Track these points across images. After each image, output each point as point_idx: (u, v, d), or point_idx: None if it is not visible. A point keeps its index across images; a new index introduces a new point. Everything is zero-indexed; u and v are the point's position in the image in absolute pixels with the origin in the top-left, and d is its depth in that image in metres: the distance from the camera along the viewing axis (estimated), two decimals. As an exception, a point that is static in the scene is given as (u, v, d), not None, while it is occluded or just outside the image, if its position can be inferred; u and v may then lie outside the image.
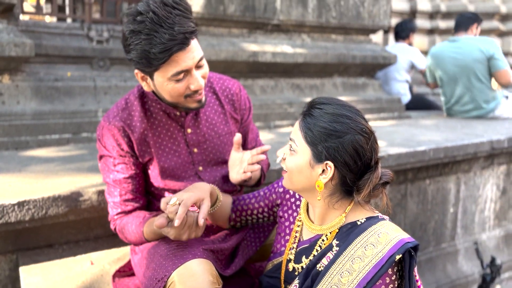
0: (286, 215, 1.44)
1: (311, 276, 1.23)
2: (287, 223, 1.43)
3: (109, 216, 1.55)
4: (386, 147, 2.58)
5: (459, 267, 3.10)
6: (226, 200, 1.54)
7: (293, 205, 1.44)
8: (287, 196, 1.47)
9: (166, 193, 1.57)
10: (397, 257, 1.11)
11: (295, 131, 1.23)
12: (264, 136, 2.87)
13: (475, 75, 3.92)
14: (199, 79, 1.42)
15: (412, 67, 4.86)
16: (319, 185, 1.20)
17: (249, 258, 1.60)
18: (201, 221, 1.25)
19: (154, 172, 1.54)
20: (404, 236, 1.16)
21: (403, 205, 2.81)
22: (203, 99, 1.50)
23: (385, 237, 1.15)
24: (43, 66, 2.66)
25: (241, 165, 1.52)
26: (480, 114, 4.01)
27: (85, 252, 1.76)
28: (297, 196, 1.45)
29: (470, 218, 3.17)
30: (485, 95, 3.95)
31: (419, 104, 4.85)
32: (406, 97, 4.79)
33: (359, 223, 1.22)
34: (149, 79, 1.44)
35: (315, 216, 1.28)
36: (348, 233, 1.21)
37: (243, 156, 1.53)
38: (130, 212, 1.52)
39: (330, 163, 1.17)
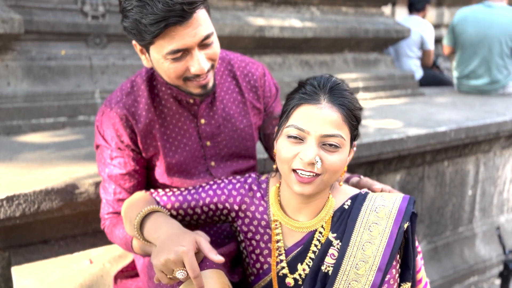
0: (252, 228, 1.23)
1: (319, 279, 1.10)
2: (258, 236, 1.22)
3: (100, 213, 1.39)
4: (403, 128, 2.41)
5: (477, 252, 2.97)
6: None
7: (256, 213, 1.22)
8: (244, 206, 1.23)
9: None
10: (406, 225, 1.09)
11: (335, 124, 1.04)
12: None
13: (498, 48, 3.70)
14: (201, 61, 1.19)
15: (422, 44, 4.63)
16: (345, 170, 1.13)
17: None
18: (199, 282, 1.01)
19: (160, 169, 1.37)
20: (399, 200, 1.13)
21: (420, 189, 2.65)
22: (210, 84, 1.28)
23: (383, 210, 1.11)
24: (34, 44, 2.47)
25: None
26: (492, 89, 3.81)
27: (83, 249, 1.61)
28: (257, 202, 1.23)
29: (489, 200, 3.03)
30: (501, 70, 3.75)
31: (431, 80, 4.65)
32: (418, 74, 4.59)
33: (346, 207, 1.15)
34: (147, 54, 1.24)
35: (308, 211, 1.15)
36: (342, 221, 1.12)
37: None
38: None
39: (355, 142, 1.13)
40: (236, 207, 1.24)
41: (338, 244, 1.11)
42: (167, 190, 1.31)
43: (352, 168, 2.21)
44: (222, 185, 1.25)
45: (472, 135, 2.58)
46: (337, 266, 1.07)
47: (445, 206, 2.80)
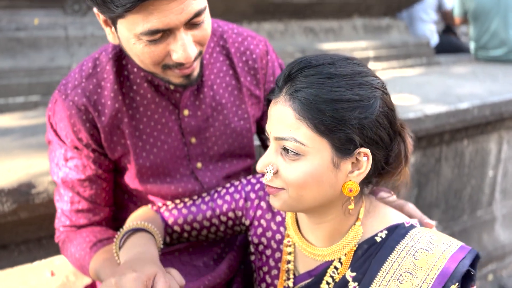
0: (264, 240, 1.01)
1: None
2: (268, 252, 1.00)
3: (55, 223, 1.14)
4: (420, 105, 2.13)
5: (496, 237, 2.74)
6: (158, 227, 1.04)
7: (271, 223, 1.00)
8: (259, 212, 1.01)
9: (150, 198, 1.13)
10: (452, 287, 0.78)
11: (286, 124, 0.79)
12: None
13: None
14: (187, 46, 0.90)
15: (440, 5, 4.26)
16: (351, 188, 0.81)
17: None
18: None
19: (130, 173, 1.09)
20: (453, 248, 0.82)
21: (436, 171, 2.39)
22: (195, 73, 0.99)
23: (426, 257, 0.81)
24: (5, 12, 2.20)
25: None
26: (504, 56, 3.51)
27: (47, 255, 1.39)
28: (275, 210, 1.00)
29: (511, 181, 2.77)
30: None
31: (447, 47, 4.32)
32: (433, 40, 4.25)
33: (378, 239, 0.87)
34: (113, 28, 0.93)
35: (322, 234, 0.89)
36: (366, 259, 0.86)
37: None
38: (84, 226, 1.10)
39: (364, 149, 0.79)
40: (251, 213, 1.02)
41: (354, 287, 0.86)
42: (178, 201, 1.09)
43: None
44: (239, 187, 1.05)
45: (498, 112, 2.29)
46: None
47: (463, 189, 2.55)
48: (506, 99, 2.31)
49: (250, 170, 1.25)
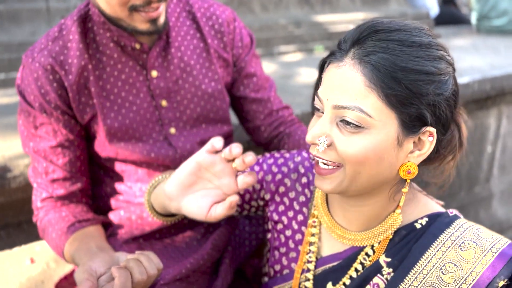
0: (285, 219, 0.95)
1: None
2: (288, 232, 0.94)
3: (32, 204, 1.09)
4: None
5: (493, 213, 2.71)
6: None
7: (294, 202, 0.94)
8: (282, 189, 0.95)
9: (124, 167, 1.09)
10: (500, 283, 0.73)
11: (353, 91, 0.71)
12: (266, 66, 2.33)
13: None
14: None
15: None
16: (410, 169, 0.75)
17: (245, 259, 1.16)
18: None
19: (100, 137, 1.06)
20: (503, 243, 0.76)
21: (434, 148, 2.33)
22: (162, 19, 1.00)
23: (473, 249, 0.76)
24: (-18, -16, 2.08)
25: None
26: (507, 25, 3.41)
27: (28, 240, 1.33)
28: (299, 189, 0.94)
29: (509, 156, 2.72)
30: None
31: (448, 18, 4.20)
32: (433, 11, 4.12)
33: (418, 226, 0.81)
34: None
35: (359, 218, 0.83)
36: (405, 244, 0.80)
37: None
38: (62, 198, 1.06)
39: (431, 129, 0.73)
40: (272, 187, 0.96)
41: (388, 274, 0.79)
42: None
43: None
44: (261, 160, 1.00)
45: (499, 86, 2.22)
46: None
47: (461, 166, 2.50)
48: (507, 73, 2.23)
49: (230, 139, 1.21)
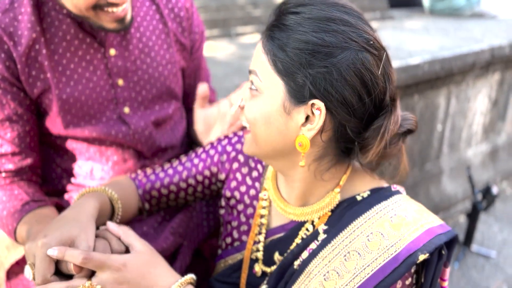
0: (237, 194, 0.97)
1: (285, 278, 0.83)
2: (240, 206, 0.97)
3: None
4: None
5: (443, 189, 2.84)
6: (127, 193, 0.99)
7: (247, 177, 0.97)
8: (235, 165, 0.98)
9: (75, 144, 1.08)
10: (421, 257, 0.73)
11: (257, 58, 0.78)
12: (223, 47, 2.32)
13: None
14: None
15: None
16: (301, 142, 0.75)
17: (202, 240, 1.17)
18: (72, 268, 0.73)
19: (52, 113, 1.03)
20: (433, 223, 0.78)
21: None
22: (128, 16, 1.00)
23: (402, 222, 0.76)
24: None
25: (222, 121, 1.09)
26: (467, 6, 3.52)
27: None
28: (253, 165, 0.97)
29: (458, 134, 2.85)
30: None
31: (402, 0, 4.28)
32: (387, -8, 4.19)
33: (359, 198, 0.82)
34: None
35: (293, 194, 0.85)
36: (343, 214, 0.81)
37: (220, 107, 1.09)
38: (12, 174, 1.03)
39: (318, 102, 0.72)
40: (227, 166, 0.99)
41: (323, 238, 0.81)
42: (156, 166, 1.07)
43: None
44: (216, 142, 1.02)
45: (448, 67, 2.31)
46: (305, 264, 0.80)
47: (413, 145, 2.60)
48: (455, 55, 2.32)
49: (181, 113, 1.24)
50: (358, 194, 0.82)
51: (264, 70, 0.75)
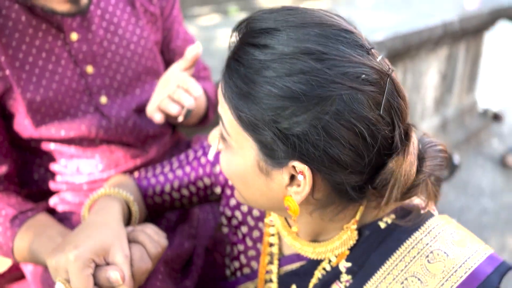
0: (239, 215, 0.85)
1: None
2: (245, 229, 0.85)
3: None
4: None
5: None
6: (136, 196, 0.89)
7: None
8: None
9: (53, 146, 0.96)
10: None
11: (220, 102, 0.62)
12: (182, 29, 2.20)
13: None
14: None
15: None
16: (289, 205, 0.60)
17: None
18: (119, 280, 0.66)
19: (20, 115, 0.90)
20: (481, 257, 0.62)
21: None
22: None
23: (442, 262, 0.61)
24: None
25: (166, 88, 0.91)
26: None
27: None
28: None
29: (413, 108, 2.93)
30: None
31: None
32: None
33: (383, 225, 0.67)
34: None
35: (302, 229, 0.71)
36: (366, 249, 0.67)
37: (171, 75, 0.91)
38: None
39: (299, 165, 0.56)
40: (221, 179, 0.87)
41: (347, 281, 0.68)
42: (149, 168, 0.96)
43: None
44: (207, 148, 0.91)
45: (407, 43, 2.34)
46: None
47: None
48: (414, 30, 2.35)
49: None
50: (381, 219, 0.67)
51: (229, 121, 0.60)
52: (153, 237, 0.74)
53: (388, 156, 0.58)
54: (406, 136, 0.59)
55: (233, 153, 0.62)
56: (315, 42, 0.54)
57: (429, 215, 0.67)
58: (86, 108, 0.95)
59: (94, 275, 0.65)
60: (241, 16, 2.73)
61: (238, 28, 0.60)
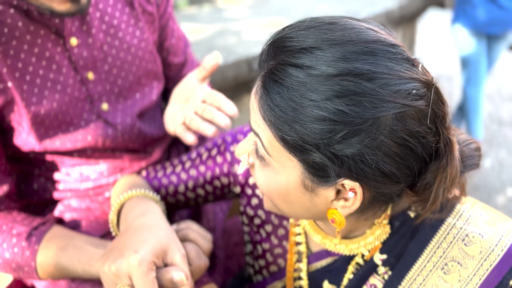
0: (262, 214, 0.84)
1: None
2: (269, 227, 0.84)
3: None
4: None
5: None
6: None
7: None
8: (252, 180, 0.84)
9: (55, 157, 0.92)
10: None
11: (256, 121, 0.59)
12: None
13: None
14: None
15: None
16: (334, 219, 0.61)
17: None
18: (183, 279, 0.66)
19: (22, 128, 0.85)
20: (511, 231, 0.65)
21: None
22: None
23: (480, 244, 0.64)
24: None
25: (189, 104, 0.87)
26: None
27: None
28: None
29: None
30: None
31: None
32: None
33: (412, 214, 0.68)
34: None
35: (330, 229, 0.73)
36: (399, 239, 0.68)
37: (188, 87, 0.86)
38: None
39: (351, 183, 0.56)
40: (241, 179, 0.84)
41: (385, 273, 0.69)
42: (158, 168, 0.93)
43: (245, 82, 1.87)
44: (223, 147, 0.87)
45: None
46: None
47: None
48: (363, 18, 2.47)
49: (167, 96, 1.10)
50: (409, 208, 0.68)
51: (269, 142, 0.58)
52: (202, 233, 0.75)
53: (430, 161, 0.59)
54: (449, 141, 0.59)
55: (273, 171, 0.60)
56: (363, 61, 0.53)
57: (456, 199, 0.68)
58: (88, 117, 0.91)
59: (156, 278, 0.65)
60: (190, 10, 2.71)
61: (271, 45, 0.58)
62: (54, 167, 0.94)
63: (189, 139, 0.84)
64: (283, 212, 0.67)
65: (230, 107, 0.78)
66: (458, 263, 0.64)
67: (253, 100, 0.59)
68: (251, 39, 1.98)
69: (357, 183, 0.56)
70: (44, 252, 0.79)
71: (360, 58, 0.53)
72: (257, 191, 0.84)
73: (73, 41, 0.87)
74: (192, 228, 0.76)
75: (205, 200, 0.91)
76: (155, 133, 1.02)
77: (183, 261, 0.66)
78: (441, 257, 0.65)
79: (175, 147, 1.13)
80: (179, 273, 0.64)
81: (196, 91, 0.85)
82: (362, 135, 0.52)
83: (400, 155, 0.55)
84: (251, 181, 0.84)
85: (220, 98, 0.80)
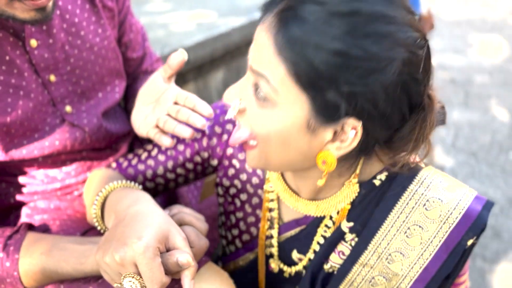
0: (238, 183, 0.85)
1: (318, 282, 0.76)
2: (244, 196, 0.86)
3: None
4: (222, 18, 2.13)
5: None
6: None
7: (246, 164, 0.84)
8: (230, 150, 0.85)
9: (19, 164, 0.87)
10: (470, 242, 0.67)
11: (264, 57, 0.59)
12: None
13: None
14: None
15: None
16: (326, 160, 0.62)
17: None
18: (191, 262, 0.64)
19: None
20: (469, 198, 0.69)
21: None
22: (50, 3, 0.76)
23: (438, 207, 0.68)
24: None
25: (160, 105, 0.82)
26: None
27: None
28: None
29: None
30: None
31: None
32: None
33: (377, 182, 0.72)
34: None
35: (305, 187, 0.74)
36: (365, 207, 0.72)
37: (155, 87, 0.82)
38: None
39: (355, 121, 0.59)
40: (219, 151, 0.85)
41: (352, 240, 0.73)
42: (130, 156, 0.89)
43: (180, 75, 1.83)
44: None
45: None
46: (344, 271, 0.72)
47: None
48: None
49: (126, 92, 1.08)
50: (375, 177, 0.72)
51: (279, 78, 0.58)
52: (195, 215, 0.75)
53: (415, 113, 0.63)
54: (430, 97, 0.64)
55: (278, 112, 0.60)
56: (383, 5, 0.57)
57: (418, 167, 0.72)
58: (52, 121, 0.86)
59: (162, 263, 0.63)
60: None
61: None
62: (17, 172, 0.89)
63: (166, 142, 0.80)
64: (269, 164, 0.67)
65: (205, 107, 0.76)
66: (420, 226, 0.68)
67: (265, 37, 0.59)
68: (181, 31, 1.93)
69: (360, 123, 0.59)
70: (27, 260, 0.73)
71: (384, 4, 0.57)
72: (234, 162, 0.85)
73: (33, 42, 0.82)
74: (185, 211, 0.75)
75: (185, 179, 0.90)
76: (121, 130, 0.99)
77: (185, 244, 0.65)
78: (404, 221, 0.69)
79: (137, 140, 1.10)
80: (185, 255, 0.63)
81: (166, 92, 0.80)
82: (377, 74, 0.55)
83: (400, 98, 0.59)
84: (228, 152, 0.85)
85: (194, 99, 0.77)
